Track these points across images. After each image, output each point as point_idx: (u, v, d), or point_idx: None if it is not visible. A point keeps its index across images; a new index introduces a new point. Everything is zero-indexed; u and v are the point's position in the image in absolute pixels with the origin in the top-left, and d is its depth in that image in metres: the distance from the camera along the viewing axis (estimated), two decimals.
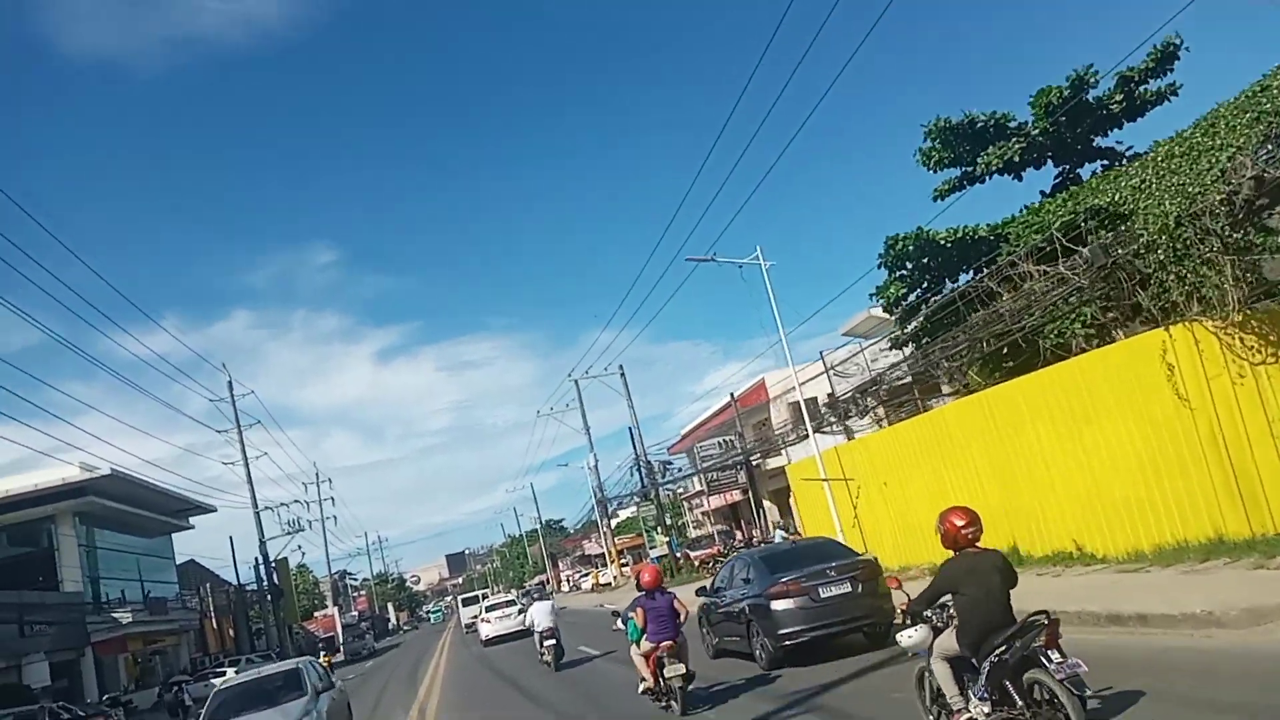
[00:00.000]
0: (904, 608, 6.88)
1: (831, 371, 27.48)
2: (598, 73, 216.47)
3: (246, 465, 50.73)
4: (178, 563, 56.31)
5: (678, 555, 47.64)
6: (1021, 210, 19.48)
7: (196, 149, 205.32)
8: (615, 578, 59.02)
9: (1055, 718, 5.69)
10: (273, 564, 53.36)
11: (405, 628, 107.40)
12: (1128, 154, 19.74)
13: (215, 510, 53.01)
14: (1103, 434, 14.05)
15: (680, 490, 60.07)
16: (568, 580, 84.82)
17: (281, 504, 55.27)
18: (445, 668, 29.41)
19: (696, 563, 45.30)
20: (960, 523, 6.34)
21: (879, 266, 19.96)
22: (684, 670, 11.00)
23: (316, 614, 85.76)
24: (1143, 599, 10.64)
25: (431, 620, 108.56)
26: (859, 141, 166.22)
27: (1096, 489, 14.44)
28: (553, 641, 20.10)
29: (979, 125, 19.57)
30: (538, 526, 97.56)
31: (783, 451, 36.39)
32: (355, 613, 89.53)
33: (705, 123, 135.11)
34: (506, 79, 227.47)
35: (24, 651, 31.46)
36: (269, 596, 54.35)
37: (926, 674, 6.84)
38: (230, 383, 51.23)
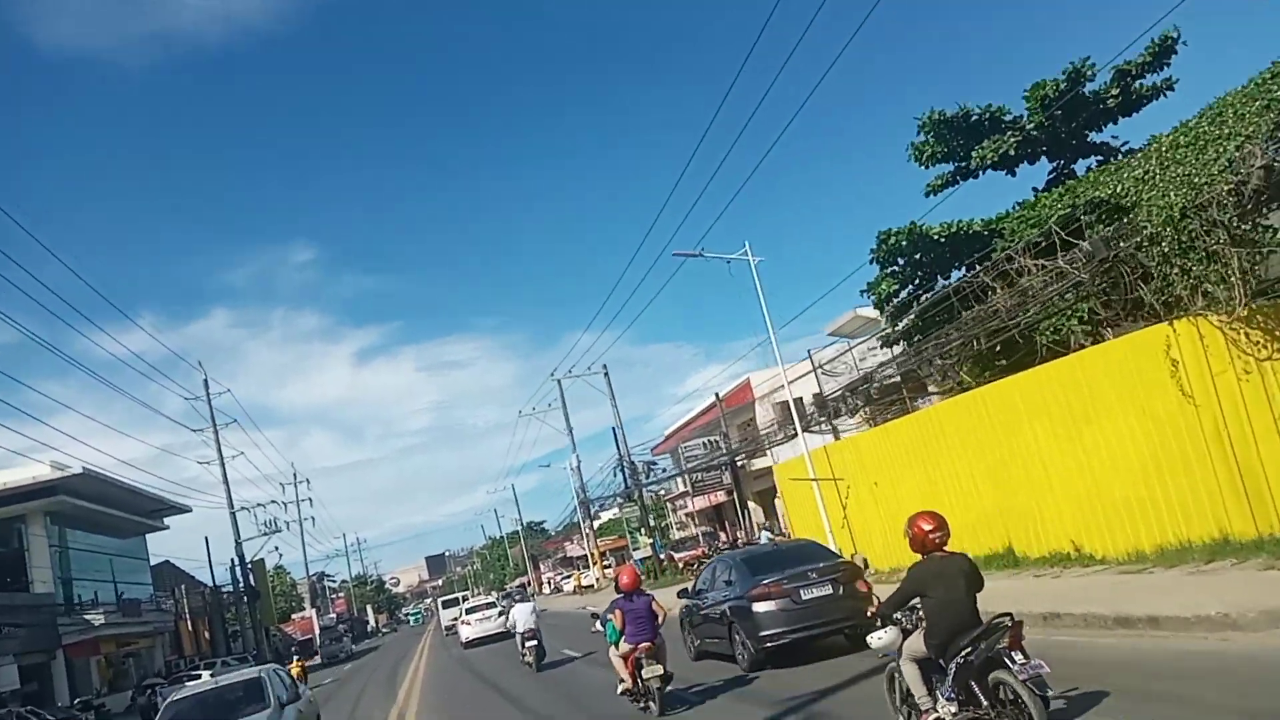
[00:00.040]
0: (873, 610, 7.10)
1: (820, 370, 27.15)
2: (590, 72, 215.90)
3: (222, 464, 49.96)
4: (152, 564, 55.36)
5: (661, 557, 47.25)
6: (1014, 206, 19.22)
7: (175, 146, 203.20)
8: (598, 579, 58.63)
9: (1020, 717, 5.84)
10: (249, 565, 52.61)
11: (384, 630, 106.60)
12: (1123, 149, 19.48)
13: (190, 510, 52.31)
14: (1103, 432, 13.74)
15: (664, 491, 59.69)
16: (549, 582, 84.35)
17: (258, 504, 54.53)
18: (425, 670, 29.18)
19: (681, 564, 44.87)
20: (928, 527, 6.57)
21: (871, 262, 19.62)
22: (662, 671, 11.12)
23: (294, 616, 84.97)
24: (1151, 601, 10.31)
25: (411, 623, 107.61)
26: (849, 141, 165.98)
27: (1096, 488, 14.13)
28: (534, 642, 20.23)
29: (974, 118, 19.26)
30: (519, 528, 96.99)
31: (768, 452, 36.07)
32: (333, 615, 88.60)
33: (698, 124, 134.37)
34: (490, 77, 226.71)
35: None
36: (245, 598, 53.62)
37: (896, 675, 7.00)
38: (206, 380, 50.42)
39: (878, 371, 23.24)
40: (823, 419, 26.34)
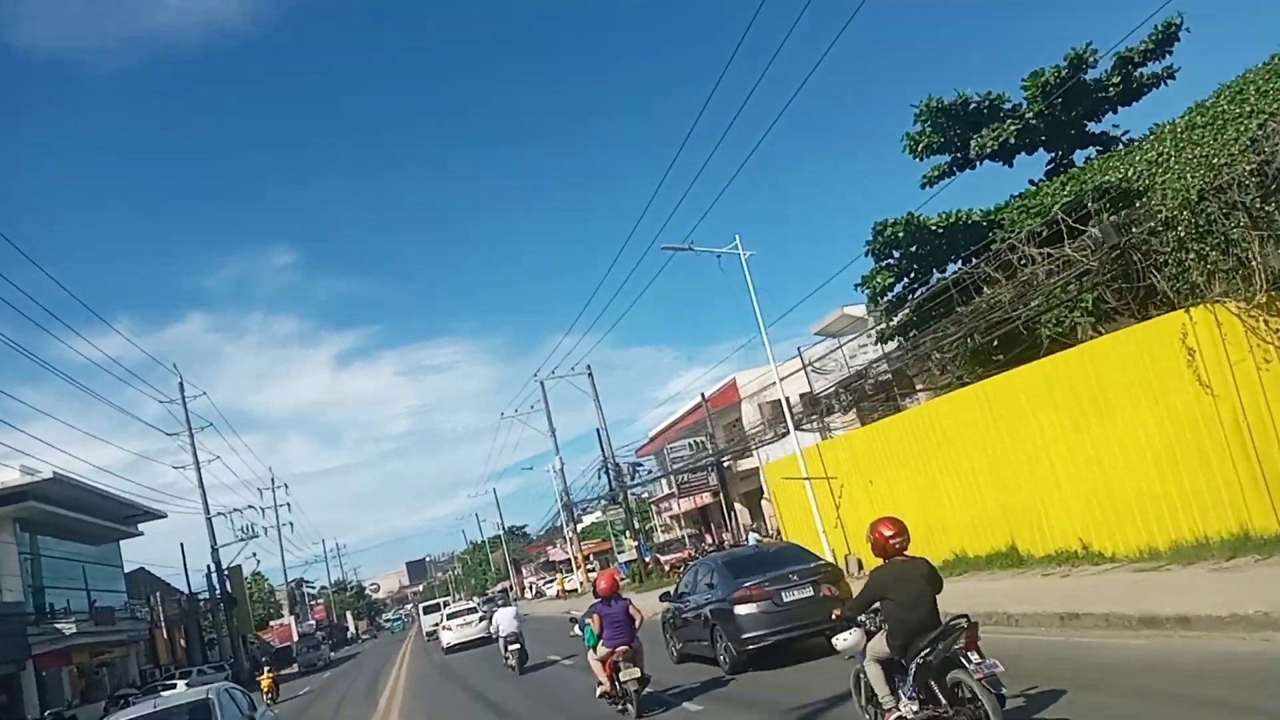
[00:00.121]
0: (838, 613, 7.32)
1: (810, 368, 26.65)
2: (570, 70, 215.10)
3: (198, 469, 49.11)
4: (126, 571, 54.19)
5: (647, 560, 46.66)
6: (1011, 199, 18.76)
7: (152, 149, 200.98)
8: (581, 583, 57.97)
9: (977, 714, 5.98)
10: (226, 572, 51.72)
11: (364, 637, 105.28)
12: (1123, 139, 19.07)
13: (165, 516, 51.08)
14: (1114, 425, 13.22)
15: (648, 494, 59.08)
16: (531, 587, 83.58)
17: (235, 510, 53.59)
18: (406, 677, 28.60)
19: (667, 567, 44.34)
20: (888, 533, 6.75)
21: (866, 254, 19.17)
22: (639, 674, 11.27)
23: (272, 623, 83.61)
24: (1177, 599, 9.78)
25: (392, 629, 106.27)
26: (843, 136, 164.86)
27: (1106, 484, 13.61)
28: (517, 646, 20.49)
29: (972, 106, 18.80)
30: (500, 532, 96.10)
31: (755, 452, 35.52)
32: (312, 621, 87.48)
33: (687, 117, 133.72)
34: (469, 80, 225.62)
35: None
36: (222, 605, 52.69)
37: (861, 675, 7.19)
38: (181, 384, 49.48)
39: (872, 367, 22.72)
40: (813, 417, 25.82)
